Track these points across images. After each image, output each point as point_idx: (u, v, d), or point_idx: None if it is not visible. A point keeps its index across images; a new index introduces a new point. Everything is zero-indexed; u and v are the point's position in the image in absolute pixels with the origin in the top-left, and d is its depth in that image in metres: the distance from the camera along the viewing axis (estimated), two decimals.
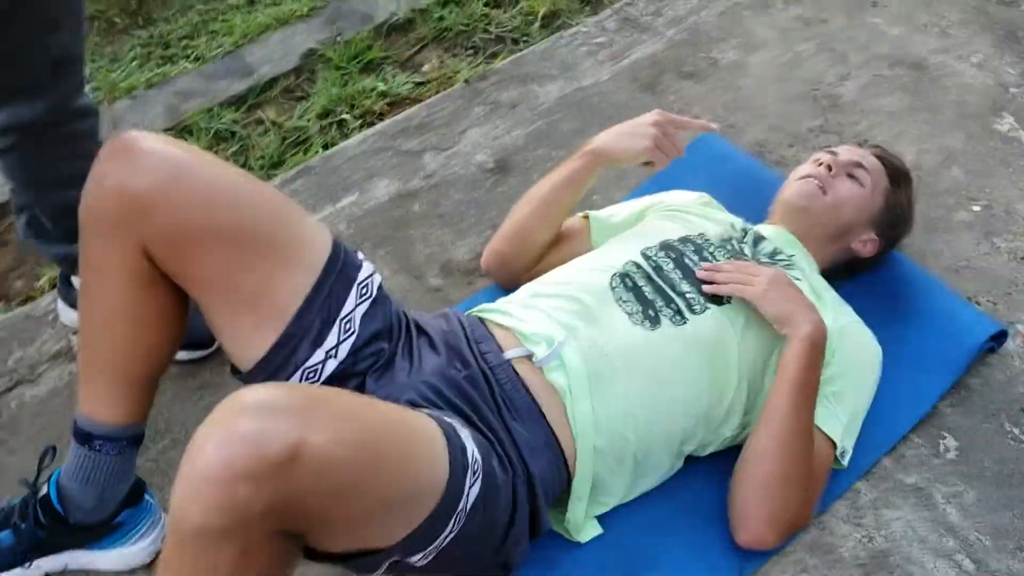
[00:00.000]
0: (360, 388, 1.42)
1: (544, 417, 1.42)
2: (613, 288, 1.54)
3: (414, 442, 1.18)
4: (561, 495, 1.48)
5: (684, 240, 1.65)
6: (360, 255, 1.49)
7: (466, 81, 2.34)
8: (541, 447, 1.41)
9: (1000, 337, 1.81)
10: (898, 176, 1.81)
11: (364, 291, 1.45)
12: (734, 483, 1.50)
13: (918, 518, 1.58)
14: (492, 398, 1.42)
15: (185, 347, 1.67)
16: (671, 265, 1.59)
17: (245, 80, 2.36)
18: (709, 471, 1.59)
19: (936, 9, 2.60)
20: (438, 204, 2.05)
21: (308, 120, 2.29)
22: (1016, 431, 1.70)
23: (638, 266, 1.59)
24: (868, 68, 2.41)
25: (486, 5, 2.63)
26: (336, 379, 1.42)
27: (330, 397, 1.11)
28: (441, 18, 2.56)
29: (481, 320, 1.55)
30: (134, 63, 2.40)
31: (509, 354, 1.47)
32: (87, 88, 1.58)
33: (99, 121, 1.61)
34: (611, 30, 2.51)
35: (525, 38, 2.54)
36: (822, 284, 1.70)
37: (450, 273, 1.93)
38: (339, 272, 1.41)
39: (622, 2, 2.60)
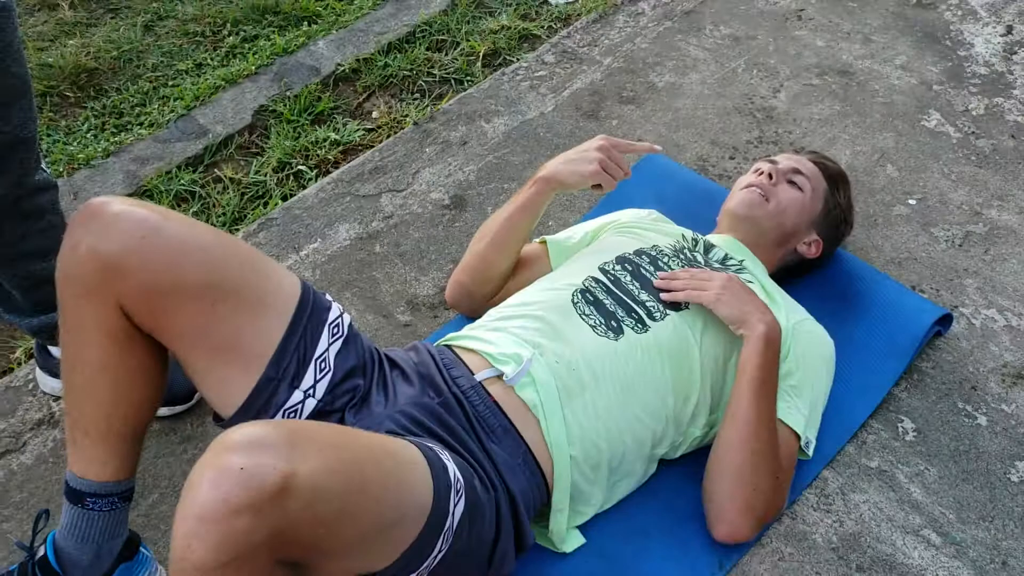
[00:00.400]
0: (340, 424, 1.48)
1: (519, 434, 1.48)
2: (575, 303, 1.61)
3: (397, 465, 1.23)
4: (542, 508, 1.54)
5: (639, 253, 1.73)
6: (328, 297, 1.55)
7: (415, 123, 2.42)
8: (519, 464, 1.47)
9: (946, 321, 1.90)
10: (835, 178, 1.90)
11: (336, 330, 1.51)
12: (707, 480, 1.57)
13: (884, 499, 1.66)
14: (467, 421, 1.48)
15: (164, 403, 1.71)
16: (628, 277, 1.67)
17: (200, 141, 2.42)
18: (682, 473, 1.66)
19: (858, 17, 2.73)
20: (399, 244, 2.12)
21: (265, 174, 2.34)
22: (969, 408, 1.79)
23: (597, 280, 1.66)
24: (798, 79, 2.52)
25: (428, 49, 2.71)
26: (316, 417, 1.46)
27: (313, 430, 1.17)
28: (386, 65, 2.64)
29: (450, 348, 1.62)
30: (89, 134, 2.44)
31: (480, 376, 1.53)
32: (44, 163, 1.62)
33: (58, 194, 1.65)
34: (551, 63, 2.60)
35: (469, 78, 2.62)
36: (773, 286, 1.78)
37: (416, 308, 1.99)
38: (310, 314, 1.47)
39: (559, 36, 2.70)
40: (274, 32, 2.76)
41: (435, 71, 2.64)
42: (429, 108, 2.50)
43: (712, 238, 1.86)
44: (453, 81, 2.63)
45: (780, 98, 2.47)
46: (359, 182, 2.27)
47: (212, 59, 2.69)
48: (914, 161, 2.29)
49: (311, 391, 1.46)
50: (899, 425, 1.77)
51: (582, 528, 1.59)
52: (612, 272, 1.68)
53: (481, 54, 2.68)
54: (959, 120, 2.39)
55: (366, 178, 2.27)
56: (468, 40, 2.73)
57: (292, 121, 2.48)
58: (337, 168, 2.35)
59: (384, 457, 1.22)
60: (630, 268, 1.69)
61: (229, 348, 1.40)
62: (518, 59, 2.64)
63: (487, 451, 1.46)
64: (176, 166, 2.36)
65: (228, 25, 2.80)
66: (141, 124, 2.48)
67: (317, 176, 2.34)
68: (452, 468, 1.31)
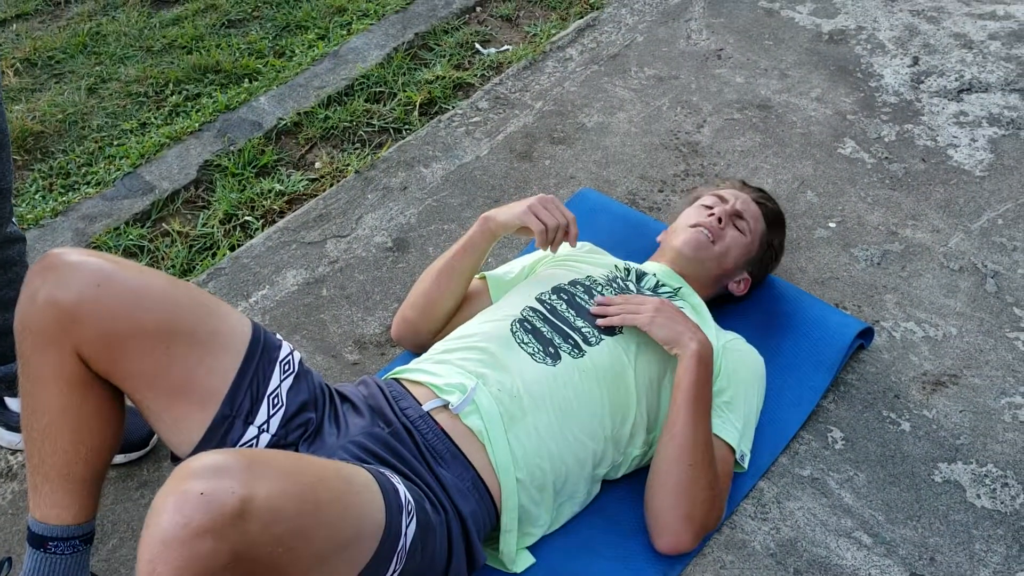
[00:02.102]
0: None
1: (467, 459, 1.55)
2: (514, 333, 1.69)
3: (350, 488, 1.29)
4: (492, 531, 1.60)
5: (573, 283, 1.82)
6: (278, 336, 1.62)
7: (356, 171, 2.50)
8: (468, 488, 1.53)
9: (867, 335, 2.02)
10: (776, 221, 2.01)
11: (287, 367, 1.57)
12: (648, 494, 1.64)
13: (817, 505, 1.74)
14: (417, 448, 1.55)
15: (120, 450, 1.75)
16: (564, 305, 1.75)
17: (147, 197, 2.47)
18: (625, 490, 1.74)
19: (773, 54, 2.88)
20: (344, 286, 2.18)
21: (212, 226, 2.40)
22: (893, 415, 1.89)
23: (534, 310, 1.74)
24: (720, 114, 2.66)
25: (366, 101, 2.80)
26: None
27: (270, 456, 1.22)
28: (326, 118, 2.73)
29: (398, 381, 1.69)
30: (38, 195, 2.48)
31: (427, 406, 1.60)
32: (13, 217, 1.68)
33: (26, 246, 1.70)
34: (484, 109, 2.71)
35: (407, 126, 2.71)
36: (704, 308, 1.88)
37: (364, 347, 2.05)
38: (262, 353, 1.53)
39: (491, 83, 2.81)
40: (216, 90, 2.83)
41: (374, 121, 2.73)
42: (370, 157, 2.59)
43: (648, 266, 1.95)
44: (392, 130, 2.72)
45: (704, 132, 2.59)
46: (304, 230, 2.34)
47: (156, 118, 2.76)
48: (832, 187, 2.42)
49: (265, 426, 1.52)
50: (828, 435, 1.86)
51: (532, 548, 1.65)
52: (548, 302, 1.76)
53: (418, 103, 2.78)
54: (873, 147, 2.53)
55: (311, 225, 2.34)
56: (405, 91, 2.82)
57: (237, 174, 2.55)
58: (283, 217, 2.42)
59: (337, 481, 1.28)
60: (565, 297, 1.77)
61: (184, 388, 1.46)
62: (453, 107, 2.75)
63: (437, 476, 1.53)
64: (124, 222, 2.41)
65: (170, 85, 2.87)
66: (88, 183, 2.53)
67: (263, 226, 2.41)
68: (403, 491, 1.37)
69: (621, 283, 1.85)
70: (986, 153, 2.50)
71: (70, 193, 2.50)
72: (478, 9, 3.23)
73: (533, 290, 1.82)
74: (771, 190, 2.40)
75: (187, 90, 2.85)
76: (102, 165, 2.58)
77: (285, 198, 2.50)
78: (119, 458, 1.76)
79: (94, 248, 2.34)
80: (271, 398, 1.53)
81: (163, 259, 2.34)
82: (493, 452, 1.56)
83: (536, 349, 1.67)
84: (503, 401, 1.60)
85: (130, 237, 2.37)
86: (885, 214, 2.34)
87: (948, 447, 1.84)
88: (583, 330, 1.70)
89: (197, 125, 2.68)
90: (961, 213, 2.33)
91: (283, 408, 1.53)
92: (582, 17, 3.12)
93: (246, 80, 2.88)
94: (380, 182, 2.47)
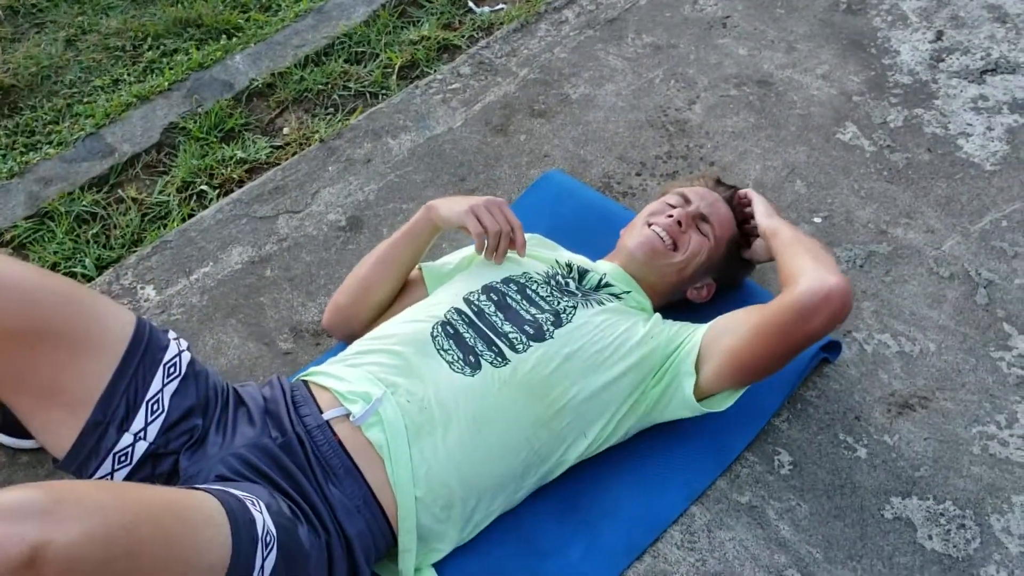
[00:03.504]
0: (174, 467, 1.46)
1: (362, 475, 1.46)
2: (434, 337, 1.58)
3: (184, 525, 1.20)
4: (392, 548, 1.51)
5: (507, 281, 1.69)
6: (170, 334, 1.53)
7: (321, 140, 2.38)
8: (359, 506, 1.44)
9: (834, 348, 1.85)
10: (746, 222, 1.85)
11: (172, 370, 1.49)
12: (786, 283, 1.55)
13: (750, 536, 1.61)
14: (307, 462, 1.46)
15: (13, 433, 1.70)
16: (492, 308, 1.63)
17: (106, 160, 2.39)
18: (545, 507, 1.63)
19: (783, 24, 2.66)
20: (289, 268, 2.09)
21: (168, 194, 2.32)
22: (849, 439, 1.74)
23: (460, 312, 1.62)
24: (716, 90, 2.46)
25: (346, 62, 2.67)
26: (149, 460, 1.45)
27: (83, 492, 1.14)
28: (301, 79, 2.60)
29: (306, 383, 1.59)
30: None
31: (327, 415, 1.51)
32: None
33: None
34: (466, 75, 2.56)
35: (384, 91, 2.58)
36: (656, 315, 1.74)
37: (300, 335, 1.96)
38: (143, 354, 1.45)
39: (478, 46, 2.65)
40: (193, 46, 2.73)
41: (351, 84, 2.60)
42: (340, 124, 2.47)
43: (599, 265, 1.81)
44: (368, 95, 2.59)
45: (695, 110, 2.41)
46: (258, 203, 2.24)
47: (129, 75, 2.67)
48: (824, 177, 2.22)
49: (142, 434, 1.44)
50: (776, 457, 1.72)
51: (439, 566, 1.56)
52: (476, 303, 1.64)
53: (397, 66, 2.64)
54: (875, 133, 2.32)
55: (265, 199, 2.24)
56: (387, 52, 2.68)
57: (201, 139, 2.45)
58: (241, 187, 2.33)
59: (167, 517, 1.19)
60: (495, 298, 1.65)
61: (53, 391, 1.39)
62: (434, 71, 2.60)
63: (324, 494, 1.44)
64: (80, 187, 2.34)
65: (149, 39, 2.77)
66: (51, 143, 2.46)
67: (219, 196, 2.32)
68: (262, 519, 1.28)
69: (561, 280, 1.72)
70: (1001, 144, 2.27)
71: (31, 153, 2.44)
72: None
73: (463, 288, 1.69)
74: (757, 178, 2.22)
75: (164, 45, 2.75)
76: (67, 124, 2.51)
77: (246, 166, 2.40)
78: (11, 441, 1.71)
79: (46, 215, 2.28)
80: (150, 403, 1.45)
81: (115, 227, 2.27)
82: (392, 468, 1.46)
83: (456, 357, 1.55)
84: (410, 413, 1.49)
85: (83, 203, 2.30)
86: (877, 210, 2.14)
87: (905, 479, 1.68)
88: (510, 336, 1.58)
89: (167, 84, 2.58)
90: (962, 212, 2.12)
91: (163, 414, 1.45)
92: None
93: (225, 36, 2.77)
94: (344, 153, 2.35)
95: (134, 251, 2.20)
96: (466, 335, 1.58)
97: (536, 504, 1.64)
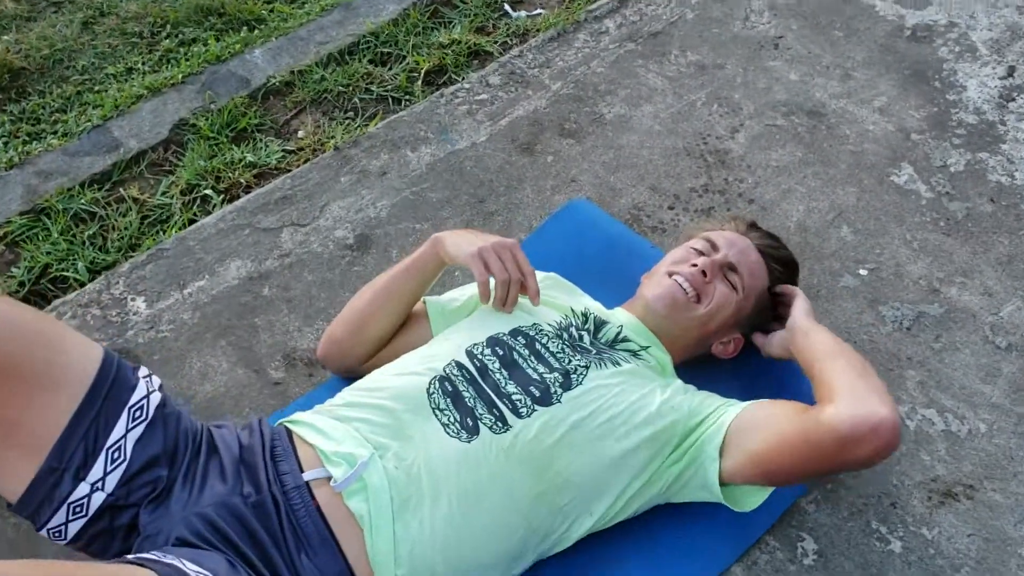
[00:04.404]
0: (133, 521, 1.33)
1: (339, 548, 1.32)
2: (430, 395, 1.43)
3: None
4: None
5: (515, 333, 1.53)
6: (141, 372, 1.40)
7: (336, 148, 2.24)
8: None
9: None
10: (780, 273, 1.69)
11: (138, 414, 1.36)
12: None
13: None
14: (280, 528, 1.32)
15: None
16: (497, 364, 1.48)
17: (110, 156, 2.27)
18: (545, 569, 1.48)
19: (840, 48, 2.46)
20: (289, 287, 1.95)
21: (171, 196, 2.19)
22: (883, 529, 1.57)
23: (461, 367, 1.47)
24: (762, 118, 2.28)
25: (370, 63, 2.52)
26: (107, 512, 1.33)
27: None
28: (322, 79, 2.46)
29: (289, 432, 1.45)
30: (0, 140, 2.32)
31: (308, 476, 1.37)
32: None
33: None
34: (495, 86, 2.39)
35: (407, 96, 2.43)
36: (670, 367, 1.59)
37: (292, 364, 1.82)
38: (107, 395, 1.33)
39: (510, 54, 2.48)
40: (212, 36, 2.59)
41: (373, 87, 2.45)
42: (358, 130, 2.32)
43: (616, 315, 1.65)
44: (391, 99, 2.44)
45: (738, 139, 2.23)
46: (263, 213, 2.10)
47: (144, 63, 2.54)
48: (874, 223, 2.04)
49: (100, 484, 1.31)
50: (800, 544, 1.56)
51: None
52: (480, 357, 1.49)
53: (423, 71, 2.48)
54: (934, 177, 2.13)
55: (271, 209, 2.10)
56: (414, 54, 2.52)
57: (211, 138, 2.32)
58: (248, 193, 2.19)
59: None
60: (500, 353, 1.49)
61: (8, 430, 1.27)
62: (462, 78, 2.44)
63: (295, 566, 1.30)
64: (80, 183, 2.21)
65: (168, 26, 2.64)
66: (55, 133, 2.34)
67: (224, 202, 2.18)
68: None
69: (575, 333, 1.56)
70: None
71: (34, 143, 2.32)
72: None
73: (466, 338, 1.54)
74: (800, 220, 2.04)
75: (183, 33, 2.62)
76: (74, 113, 2.39)
77: (255, 171, 2.26)
78: None
79: (42, 211, 2.16)
80: (111, 451, 1.32)
81: (113, 229, 2.14)
82: (372, 543, 1.32)
83: (452, 419, 1.40)
84: (398, 482, 1.34)
85: (82, 201, 2.18)
86: (930, 265, 1.95)
87: None
88: (514, 398, 1.42)
89: (181, 77, 2.45)
90: None
91: (125, 463, 1.32)
92: None
93: (246, 28, 2.63)
94: (358, 163, 2.20)
95: (130, 256, 2.08)
96: (466, 394, 1.43)
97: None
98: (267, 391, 1.78)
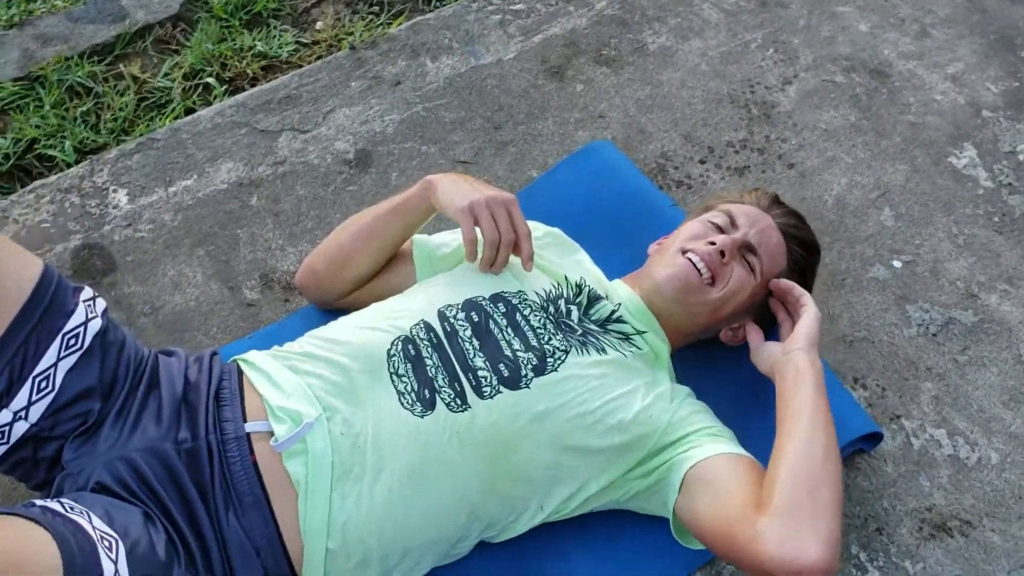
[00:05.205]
0: (58, 454, 1.25)
1: (271, 511, 1.24)
2: (391, 357, 1.32)
3: None
4: None
5: (496, 299, 1.40)
6: (84, 294, 1.30)
7: (352, 47, 2.07)
8: (261, 546, 1.23)
9: (873, 439, 1.54)
10: (801, 257, 1.52)
11: (72, 342, 1.26)
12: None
13: None
14: (211, 481, 1.24)
15: None
16: (469, 331, 1.35)
17: (115, 26, 2.12)
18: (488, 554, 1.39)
19: (922, 1, 2.20)
20: (278, 199, 1.82)
21: (173, 80, 2.05)
22: (863, 556, 1.46)
23: (429, 329, 1.35)
24: (819, 70, 2.06)
25: None
26: (30, 443, 1.25)
27: None
28: None
29: (240, 372, 1.36)
30: None
31: (250, 426, 1.27)
32: None
33: None
34: None
35: None
36: (665, 356, 1.45)
37: (269, 286, 1.71)
38: (41, 318, 1.23)
39: None
40: None
41: None
42: (381, 29, 2.14)
43: (617, 289, 1.50)
44: None
45: (788, 92, 2.02)
46: (263, 112, 1.96)
47: None
48: (920, 209, 1.85)
49: (23, 413, 1.23)
50: None
51: None
52: (452, 320, 1.36)
53: None
54: (997, 164, 1.92)
55: (273, 108, 1.96)
56: None
57: (222, 19, 2.16)
58: (254, 86, 2.04)
59: None
60: (476, 319, 1.37)
61: None
62: None
63: (219, 526, 1.22)
64: (80, 53, 2.08)
65: None
66: None
67: (227, 92, 2.04)
68: (112, 569, 1.07)
69: (563, 307, 1.42)
70: None
71: (38, 0, 2.18)
72: None
73: (442, 295, 1.41)
74: (839, 195, 1.85)
75: None
76: None
77: (264, 61, 2.10)
78: None
79: (37, 79, 2.04)
80: (38, 380, 1.23)
81: (108, 108, 2.02)
82: (305, 511, 1.23)
83: (409, 387, 1.29)
84: (342, 449, 1.25)
85: (80, 73, 2.05)
86: (973, 265, 1.77)
87: None
88: (479, 374, 1.31)
89: None
90: None
91: (52, 394, 1.24)
92: None
93: None
94: (373, 67, 2.03)
95: (122, 140, 1.96)
96: (428, 361, 1.31)
97: (474, 560, 1.40)
98: (238, 312, 1.68)
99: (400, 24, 2.13)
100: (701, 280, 1.43)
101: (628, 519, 1.41)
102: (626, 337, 1.43)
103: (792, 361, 1.37)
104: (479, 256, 1.42)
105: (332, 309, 1.58)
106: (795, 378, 1.35)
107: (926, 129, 1.97)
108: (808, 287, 1.53)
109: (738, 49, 2.09)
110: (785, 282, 1.49)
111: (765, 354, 1.46)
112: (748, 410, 1.49)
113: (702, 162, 1.91)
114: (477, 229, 1.38)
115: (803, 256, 1.52)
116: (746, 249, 1.46)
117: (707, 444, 1.32)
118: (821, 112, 1.99)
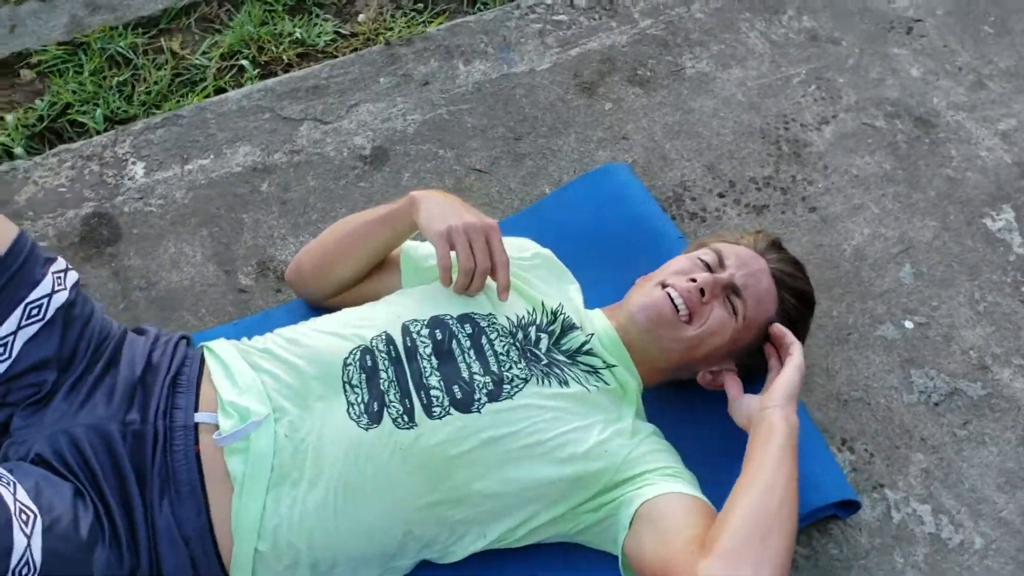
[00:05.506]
0: (6, 423, 1.28)
1: (206, 503, 1.24)
2: (347, 365, 1.31)
3: None
4: None
5: (464, 319, 1.37)
6: (55, 266, 1.31)
7: (387, 43, 2.06)
8: (191, 537, 1.23)
9: (850, 507, 1.47)
10: (792, 307, 1.45)
11: (34, 312, 1.28)
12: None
13: None
14: (151, 465, 1.25)
15: None
16: (429, 349, 1.33)
17: (162, 0, 2.16)
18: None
19: (984, 50, 2.09)
20: (288, 188, 1.83)
21: (210, 59, 2.08)
22: None
23: (390, 342, 1.33)
24: (860, 113, 1.97)
25: None
26: None
27: None
28: None
29: (205, 360, 1.36)
30: None
31: (199, 417, 1.28)
32: None
33: None
34: (579, 8, 2.14)
35: (483, 1, 2.21)
36: (633, 392, 1.40)
37: (264, 274, 1.72)
38: (4, 286, 1.25)
39: None
40: None
41: None
42: (421, 27, 2.13)
43: (593, 319, 1.46)
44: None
45: (824, 133, 1.94)
46: (289, 99, 1.96)
47: None
48: (943, 270, 1.76)
49: None
50: None
51: None
52: (414, 336, 1.34)
53: None
54: None
55: (299, 96, 1.97)
56: None
57: (267, 3, 2.17)
58: (288, 72, 2.06)
59: None
60: (439, 338, 1.34)
61: None
62: None
63: (152, 511, 1.23)
64: (125, 23, 2.12)
65: None
66: None
67: (259, 76, 2.06)
68: (24, 547, 1.08)
69: (532, 335, 1.38)
70: None
71: None
72: None
73: (409, 309, 1.39)
74: (859, 246, 1.78)
75: None
76: None
77: (300, 49, 2.11)
78: None
79: (80, 46, 2.09)
80: None
81: (143, 80, 2.06)
82: (238, 508, 1.23)
83: (359, 399, 1.28)
84: (283, 452, 1.24)
85: (122, 44, 2.09)
86: (990, 336, 1.68)
87: None
88: (431, 392, 1.28)
89: None
90: None
91: (8, 361, 1.26)
92: None
93: None
94: (404, 65, 2.02)
95: (152, 113, 2.00)
96: (383, 375, 1.30)
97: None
98: (230, 296, 1.70)
99: (438, 24, 2.12)
100: (677, 316, 1.38)
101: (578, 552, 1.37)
102: (594, 370, 1.39)
103: (766, 419, 1.31)
104: (453, 280, 1.39)
105: (321, 307, 1.58)
106: (766, 433, 1.30)
107: (964, 186, 1.87)
108: (801, 338, 1.46)
109: (779, 82, 2.02)
110: (780, 328, 1.43)
111: (743, 407, 1.40)
112: (717, 459, 1.42)
113: (721, 196, 1.85)
114: (453, 254, 1.36)
115: (795, 307, 1.46)
116: (730, 290, 1.41)
117: (662, 483, 1.28)
118: (855, 156, 1.91)
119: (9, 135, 1.93)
